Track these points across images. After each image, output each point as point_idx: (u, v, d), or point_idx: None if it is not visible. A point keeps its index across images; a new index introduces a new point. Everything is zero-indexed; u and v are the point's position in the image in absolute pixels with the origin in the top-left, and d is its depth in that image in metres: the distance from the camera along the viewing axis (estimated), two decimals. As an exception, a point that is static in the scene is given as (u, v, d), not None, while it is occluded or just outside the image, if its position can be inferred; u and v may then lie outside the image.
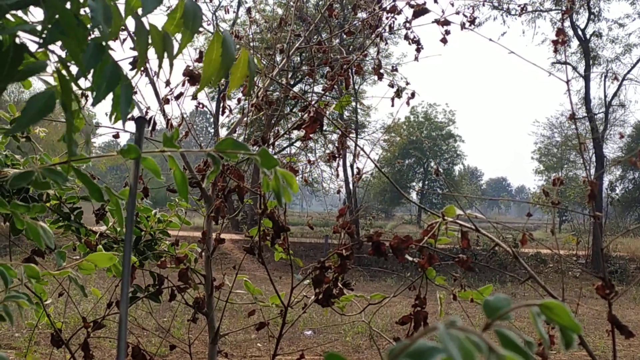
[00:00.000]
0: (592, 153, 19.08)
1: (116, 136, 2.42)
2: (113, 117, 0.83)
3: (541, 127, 42.46)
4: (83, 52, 0.69)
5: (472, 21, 2.69)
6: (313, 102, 1.99)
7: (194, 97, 2.25)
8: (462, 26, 2.65)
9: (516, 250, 1.54)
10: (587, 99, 18.64)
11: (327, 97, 2.61)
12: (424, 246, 1.43)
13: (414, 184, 36.90)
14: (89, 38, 0.71)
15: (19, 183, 0.82)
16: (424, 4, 2.40)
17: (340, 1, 16.50)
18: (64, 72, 0.72)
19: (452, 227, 1.47)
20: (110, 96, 0.77)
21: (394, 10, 2.58)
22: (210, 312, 2.13)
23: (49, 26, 0.67)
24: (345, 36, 2.87)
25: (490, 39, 2.31)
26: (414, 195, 43.18)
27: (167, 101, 2.29)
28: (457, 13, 2.66)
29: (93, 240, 2.03)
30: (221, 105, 2.44)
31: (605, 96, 20.35)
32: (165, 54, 0.81)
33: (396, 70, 3.12)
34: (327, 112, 1.98)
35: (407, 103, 2.71)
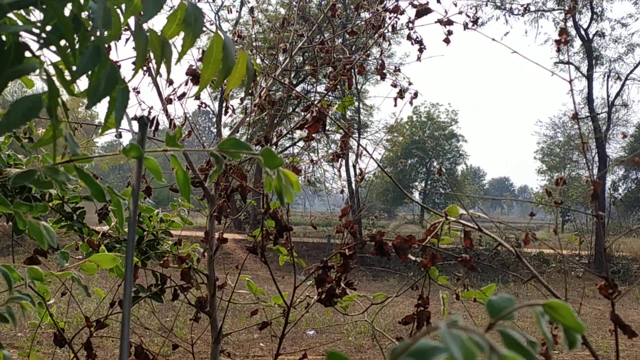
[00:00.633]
0: (595, 153, 19.07)
1: (119, 136, 2.42)
2: (107, 121, 0.82)
3: (544, 127, 42.37)
4: (82, 55, 0.69)
5: (474, 21, 2.68)
6: (316, 102, 1.99)
7: (196, 97, 2.25)
8: (465, 26, 2.64)
9: (519, 250, 1.54)
10: (589, 99, 18.61)
11: (330, 97, 2.61)
12: (426, 246, 1.43)
13: (417, 183, 36.89)
14: (90, 40, 0.70)
15: (21, 182, 0.82)
16: (427, 4, 2.40)
17: (343, 1, 16.48)
18: (53, 77, 0.71)
19: (455, 227, 1.47)
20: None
21: (397, 10, 2.58)
22: (212, 311, 2.13)
23: (48, 28, 0.67)
24: (347, 36, 2.87)
25: (493, 39, 2.30)
26: (416, 195, 43.11)
27: (170, 101, 2.29)
28: (460, 13, 2.65)
29: (95, 240, 2.03)
30: (224, 105, 2.44)
31: (608, 96, 20.33)
32: (164, 59, 0.80)
33: (399, 70, 3.11)
34: (330, 112, 1.98)
35: (410, 103, 2.71)
